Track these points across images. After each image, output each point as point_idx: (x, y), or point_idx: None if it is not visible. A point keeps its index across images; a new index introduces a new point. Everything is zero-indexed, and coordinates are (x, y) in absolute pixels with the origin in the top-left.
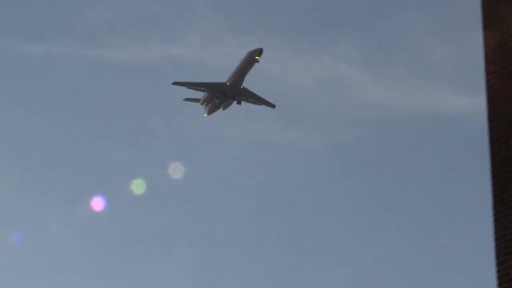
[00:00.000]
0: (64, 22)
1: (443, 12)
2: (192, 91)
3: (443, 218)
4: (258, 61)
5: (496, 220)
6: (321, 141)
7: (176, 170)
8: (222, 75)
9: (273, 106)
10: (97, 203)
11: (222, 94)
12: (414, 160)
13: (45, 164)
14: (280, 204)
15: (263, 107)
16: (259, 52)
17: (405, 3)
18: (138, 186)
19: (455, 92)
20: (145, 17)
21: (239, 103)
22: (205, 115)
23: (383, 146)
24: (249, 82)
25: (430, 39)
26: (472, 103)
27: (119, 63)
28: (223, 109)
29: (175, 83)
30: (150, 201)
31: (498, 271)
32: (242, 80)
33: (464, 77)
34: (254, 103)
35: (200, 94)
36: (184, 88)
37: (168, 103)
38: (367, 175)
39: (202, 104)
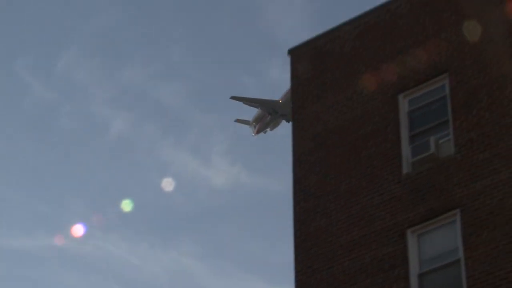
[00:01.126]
0: None
1: (258, 221)
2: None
3: None
4: None
5: None
6: None
7: None
8: (99, 269)
9: None
10: None
11: (274, 111)
12: None
13: None
14: None
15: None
16: None
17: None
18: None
19: (270, 283)
20: (32, 213)
21: (287, 121)
22: (253, 134)
23: None
24: None
25: (252, 240)
26: None
27: (8, 249)
28: (270, 130)
29: (233, 98)
30: None
31: None
32: None
33: (277, 272)
34: None
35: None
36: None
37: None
38: None
39: (252, 124)
